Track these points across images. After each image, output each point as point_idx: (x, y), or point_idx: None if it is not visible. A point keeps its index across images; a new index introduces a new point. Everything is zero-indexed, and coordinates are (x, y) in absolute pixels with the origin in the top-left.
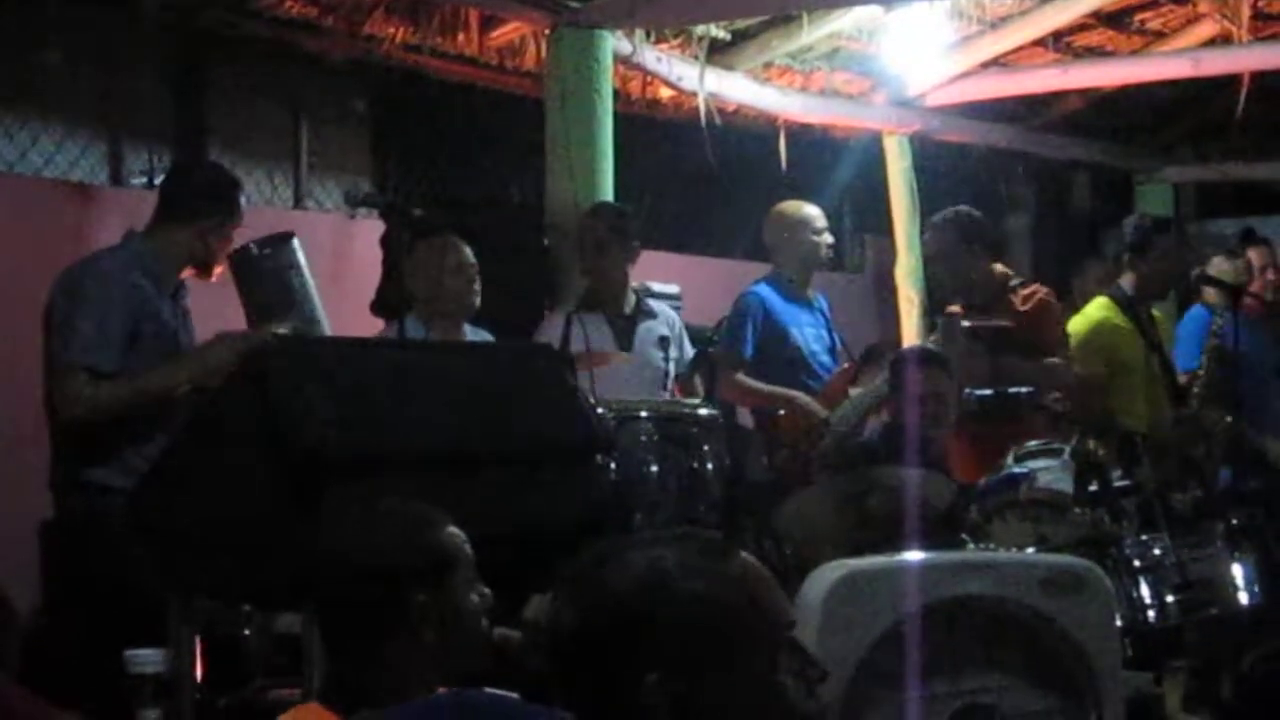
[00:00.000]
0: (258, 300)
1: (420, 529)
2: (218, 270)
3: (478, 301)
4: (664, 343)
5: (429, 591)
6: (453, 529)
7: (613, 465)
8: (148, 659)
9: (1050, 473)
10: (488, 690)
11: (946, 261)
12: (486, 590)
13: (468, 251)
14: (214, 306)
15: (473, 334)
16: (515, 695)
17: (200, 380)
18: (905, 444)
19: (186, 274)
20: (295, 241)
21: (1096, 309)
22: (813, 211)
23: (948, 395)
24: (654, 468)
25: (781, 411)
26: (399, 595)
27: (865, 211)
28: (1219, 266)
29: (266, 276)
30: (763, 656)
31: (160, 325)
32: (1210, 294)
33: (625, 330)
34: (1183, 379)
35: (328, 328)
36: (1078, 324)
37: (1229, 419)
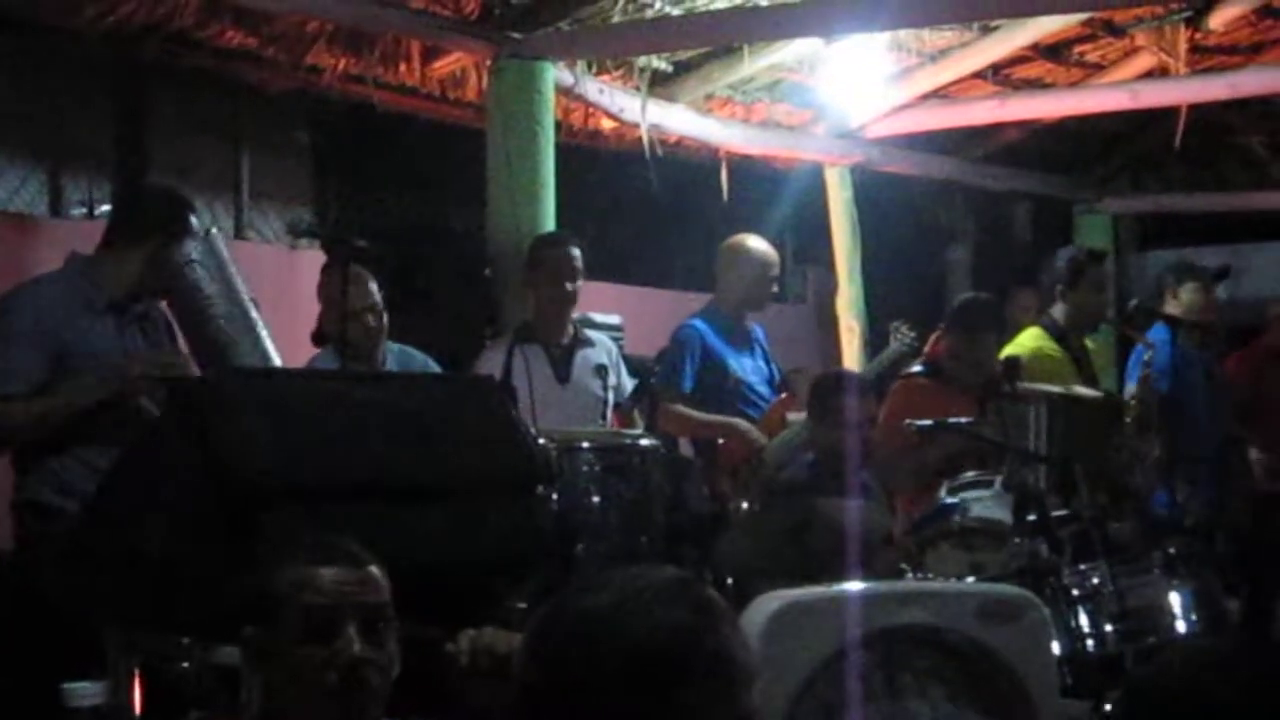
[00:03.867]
0: (180, 307)
1: (271, 565)
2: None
3: (379, 334)
4: (601, 371)
5: (258, 630)
6: (314, 571)
7: (554, 496)
8: (86, 692)
9: (983, 502)
10: None
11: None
12: (365, 647)
13: (368, 287)
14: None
15: (400, 358)
16: None
17: (115, 396)
18: (834, 472)
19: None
20: (214, 235)
21: (1030, 338)
22: (768, 253)
23: (862, 419)
24: (596, 498)
25: (722, 440)
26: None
27: (807, 242)
28: (1190, 296)
29: (178, 276)
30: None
31: (92, 350)
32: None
33: (563, 360)
34: None
35: (260, 326)
36: (1010, 353)
37: (1157, 451)
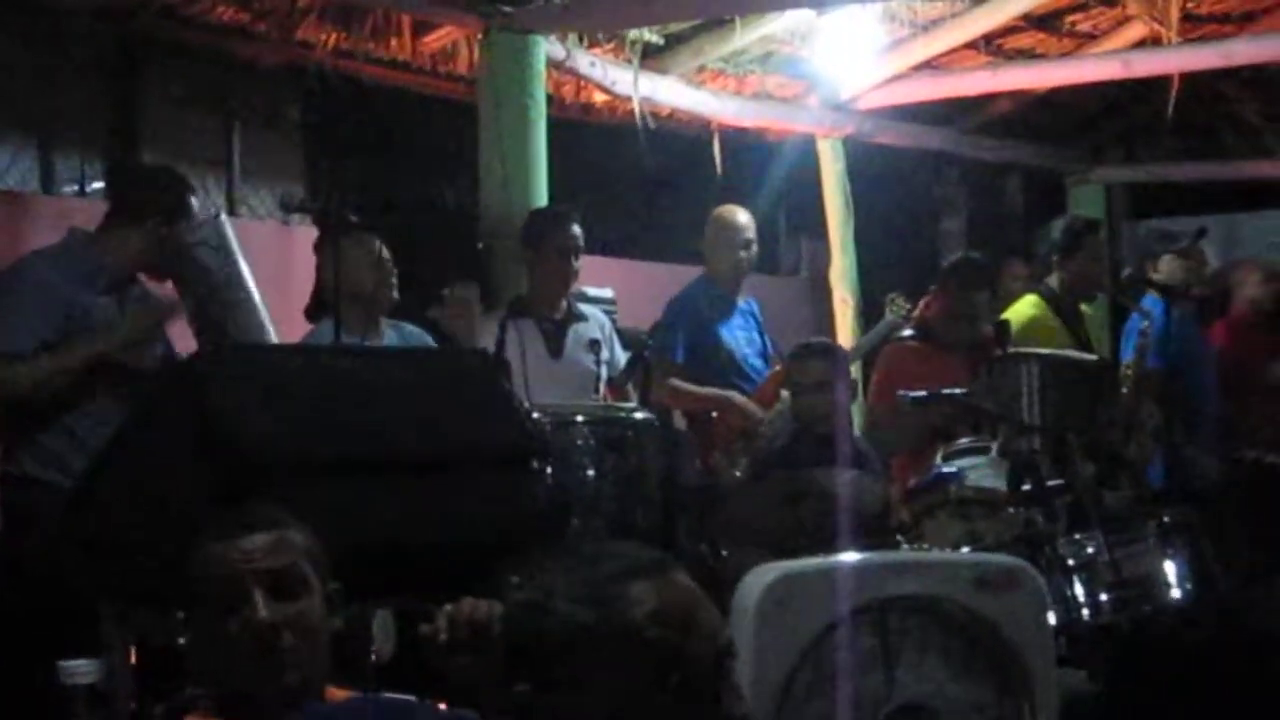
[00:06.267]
0: (184, 287)
1: (203, 539)
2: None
3: (394, 296)
4: (595, 346)
5: (186, 610)
6: (218, 547)
7: (548, 470)
8: (81, 668)
9: (978, 470)
10: (389, 696)
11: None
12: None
13: (380, 247)
14: None
15: (398, 334)
16: (415, 700)
17: (118, 352)
18: (816, 440)
19: (148, 280)
20: (222, 220)
21: (1026, 306)
22: (741, 220)
23: (837, 384)
24: (590, 472)
25: (716, 414)
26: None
27: (800, 214)
28: (1169, 265)
29: (184, 257)
30: (701, 671)
31: (90, 326)
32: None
33: (556, 334)
34: None
35: (261, 310)
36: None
37: (1160, 418)
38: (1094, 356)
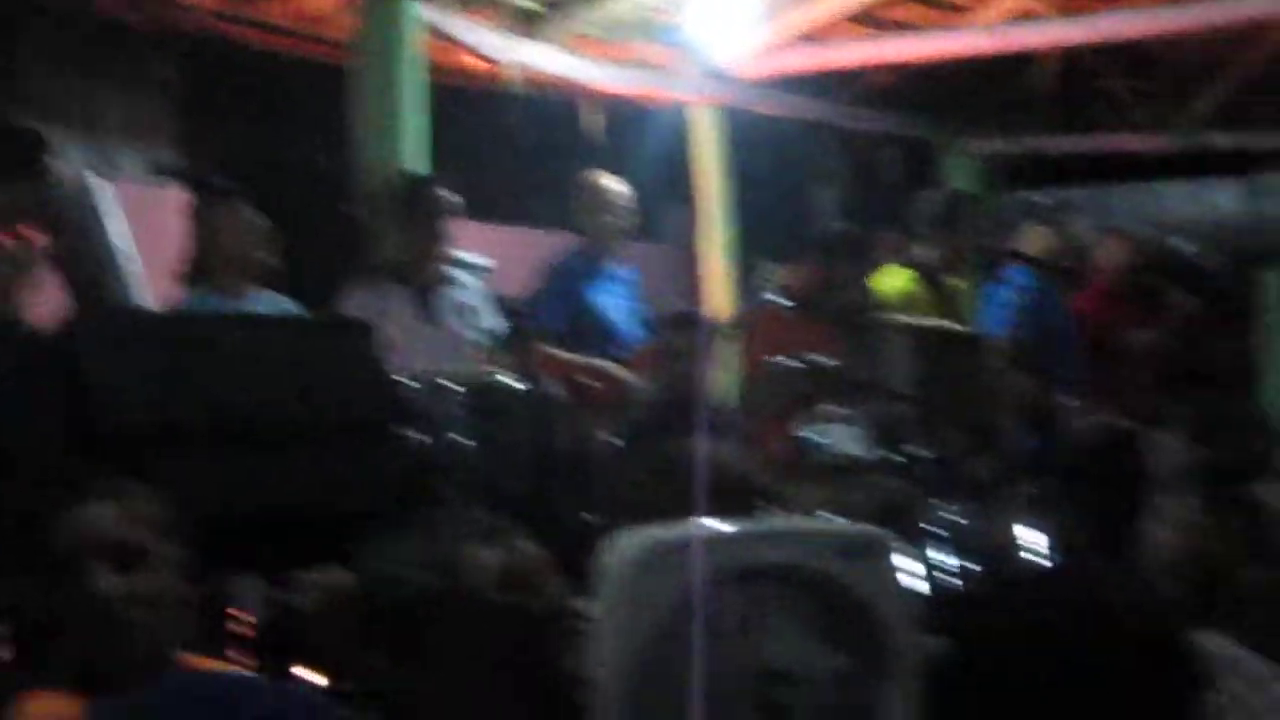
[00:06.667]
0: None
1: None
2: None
3: (267, 264)
4: (470, 311)
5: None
6: (64, 517)
7: (421, 438)
8: None
9: (844, 438)
10: (222, 671)
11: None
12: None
13: (252, 215)
14: None
15: (269, 303)
16: (251, 675)
17: None
18: (679, 409)
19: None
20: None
21: (898, 278)
22: (613, 185)
23: (702, 352)
24: (461, 439)
25: (592, 381)
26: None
27: (674, 183)
28: (1034, 236)
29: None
30: (546, 634)
31: None
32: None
33: (430, 301)
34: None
35: (135, 273)
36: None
37: (1031, 387)
38: (963, 327)
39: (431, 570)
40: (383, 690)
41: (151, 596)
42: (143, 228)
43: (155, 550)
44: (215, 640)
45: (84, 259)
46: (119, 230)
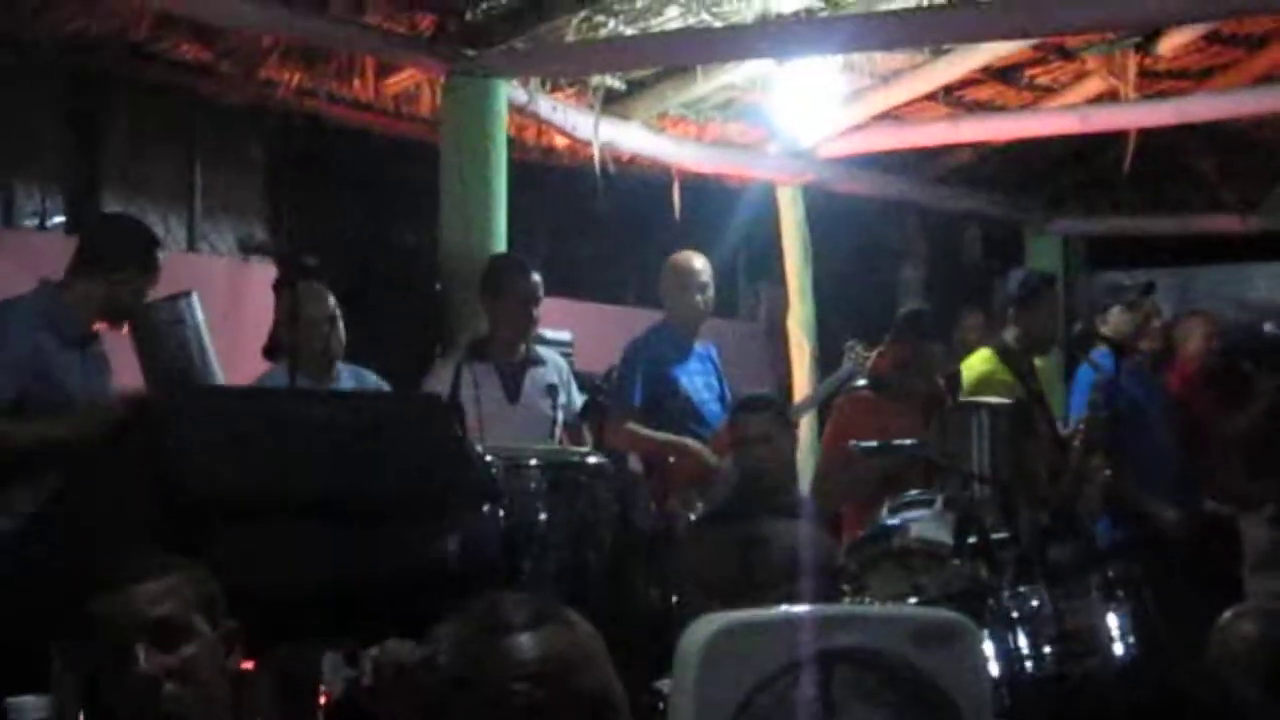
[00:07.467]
0: (153, 356)
1: (102, 586)
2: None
3: (338, 349)
4: (552, 390)
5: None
6: (107, 600)
7: (501, 514)
8: (30, 706)
9: (924, 523)
10: None
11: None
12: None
13: (327, 300)
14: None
15: (354, 377)
16: None
17: (73, 439)
18: (757, 491)
19: (99, 326)
20: (194, 298)
21: (980, 361)
22: (697, 265)
23: (779, 437)
24: (542, 515)
25: (672, 459)
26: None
27: (759, 260)
28: (1117, 318)
29: (162, 333)
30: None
31: (53, 386)
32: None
33: (513, 378)
34: (1066, 433)
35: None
36: (961, 376)
37: (1108, 471)
38: (1044, 409)
39: (461, 655)
40: None
41: (191, 673)
42: (232, 303)
43: (198, 626)
44: (288, 713)
45: (170, 369)
46: (204, 342)
